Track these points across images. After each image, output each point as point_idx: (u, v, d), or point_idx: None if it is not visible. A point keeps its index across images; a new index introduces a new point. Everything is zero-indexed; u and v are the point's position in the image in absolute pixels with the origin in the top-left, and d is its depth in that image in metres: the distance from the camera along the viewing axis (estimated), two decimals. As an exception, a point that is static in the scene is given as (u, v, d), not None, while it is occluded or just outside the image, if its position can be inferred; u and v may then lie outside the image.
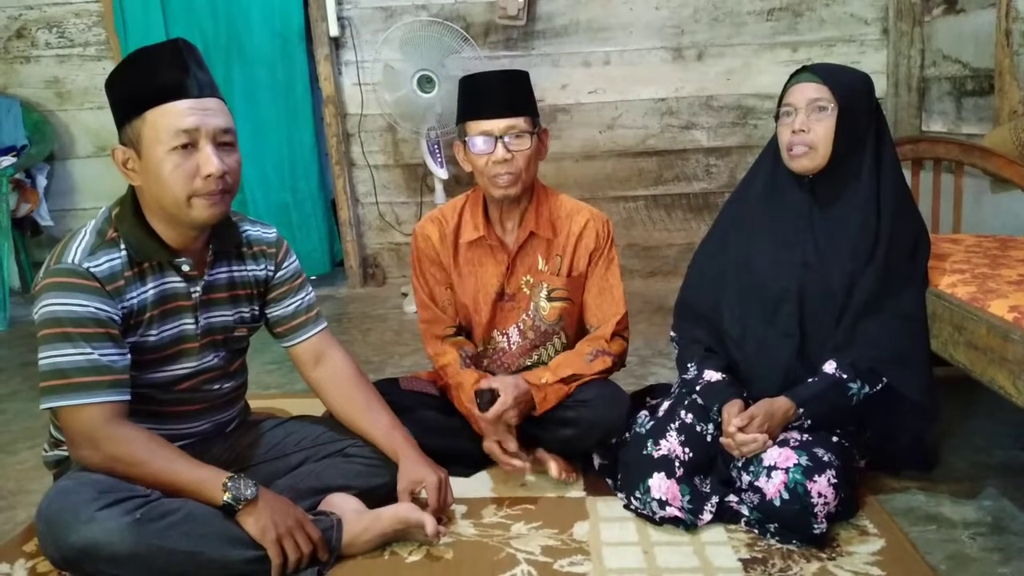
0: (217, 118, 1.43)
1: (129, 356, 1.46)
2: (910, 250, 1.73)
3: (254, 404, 1.90)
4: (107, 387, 1.41)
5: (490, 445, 1.80)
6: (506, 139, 1.78)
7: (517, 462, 1.78)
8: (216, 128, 1.43)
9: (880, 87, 3.48)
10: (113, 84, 1.45)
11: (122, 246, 1.47)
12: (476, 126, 1.80)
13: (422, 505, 1.61)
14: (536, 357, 1.96)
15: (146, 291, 1.49)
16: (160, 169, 1.41)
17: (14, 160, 3.62)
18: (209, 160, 1.41)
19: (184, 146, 1.40)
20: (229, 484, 1.41)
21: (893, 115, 3.51)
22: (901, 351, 1.68)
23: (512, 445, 1.79)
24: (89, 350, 1.40)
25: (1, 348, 3.23)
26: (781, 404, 1.65)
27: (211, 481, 1.42)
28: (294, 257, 1.72)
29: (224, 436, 1.70)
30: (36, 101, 3.93)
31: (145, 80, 1.40)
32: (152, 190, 1.44)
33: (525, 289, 1.92)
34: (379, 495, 1.64)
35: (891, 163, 1.72)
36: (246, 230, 1.65)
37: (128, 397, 1.44)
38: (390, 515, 1.57)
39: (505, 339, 1.96)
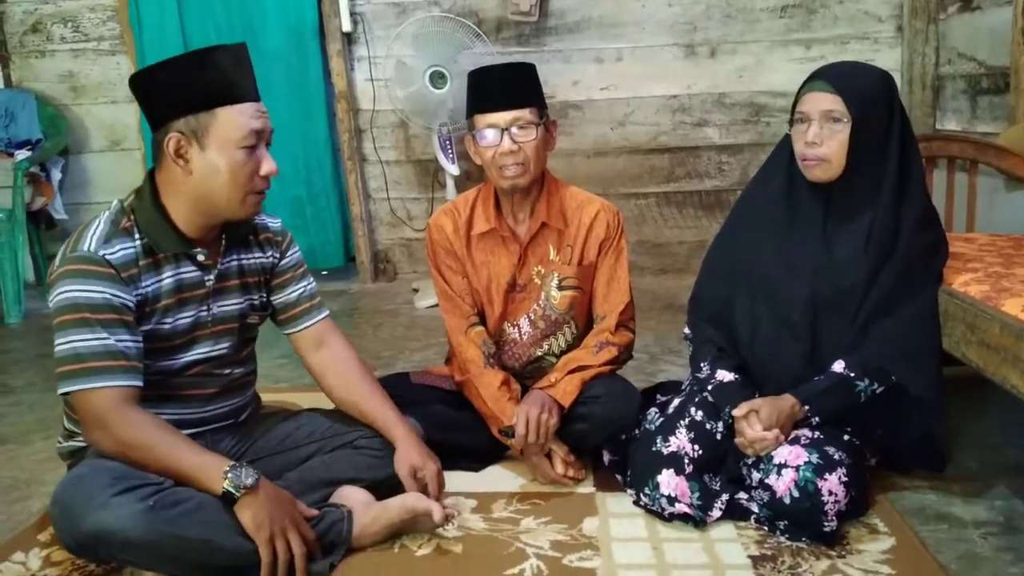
0: (270, 122, 1.53)
1: (142, 343, 1.49)
2: (928, 259, 1.72)
3: (265, 397, 1.91)
4: (121, 372, 1.43)
5: (539, 468, 1.82)
6: (512, 130, 1.80)
7: (568, 480, 1.81)
8: (271, 132, 1.53)
9: (894, 85, 3.46)
10: (175, 76, 1.46)
11: (136, 235, 1.51)
12: (483, 119, 1.82)
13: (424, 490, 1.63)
14: (547, 347, 1.97)
15: (161, 280, 1.53)
16: (228, 165, 1.48)
17: (29, 154, 3.65)
18: (269, 161, 1.53)
19: (251, 146, 1.49)
20: (230, 473, 1.41)
21: (907, 113, 3.48)
22: (911, 348, 1.67)
23: (554, 468, 1.81)
24: (105, 335, 1.42)
25: (16, 340, 3.26)
26: (786, 400, 1.65)
27: (214, 467, 1.41)
28: (297, 247, 1.77)
29: (235, 427, 1.72)
30: (51, 95, 3.96)
31: (219, 79, 1.46)
32: (205, 182, 1.49)
33: (536, 279, 1.93)
34: (387, 487, 1.64)
35: (917, 169, 1.70)
36: (253, 220, 1.68)
37: (140, 383, 1.47)
38: (397, 504, 1.58)
39: (516, 330, 1.96)
